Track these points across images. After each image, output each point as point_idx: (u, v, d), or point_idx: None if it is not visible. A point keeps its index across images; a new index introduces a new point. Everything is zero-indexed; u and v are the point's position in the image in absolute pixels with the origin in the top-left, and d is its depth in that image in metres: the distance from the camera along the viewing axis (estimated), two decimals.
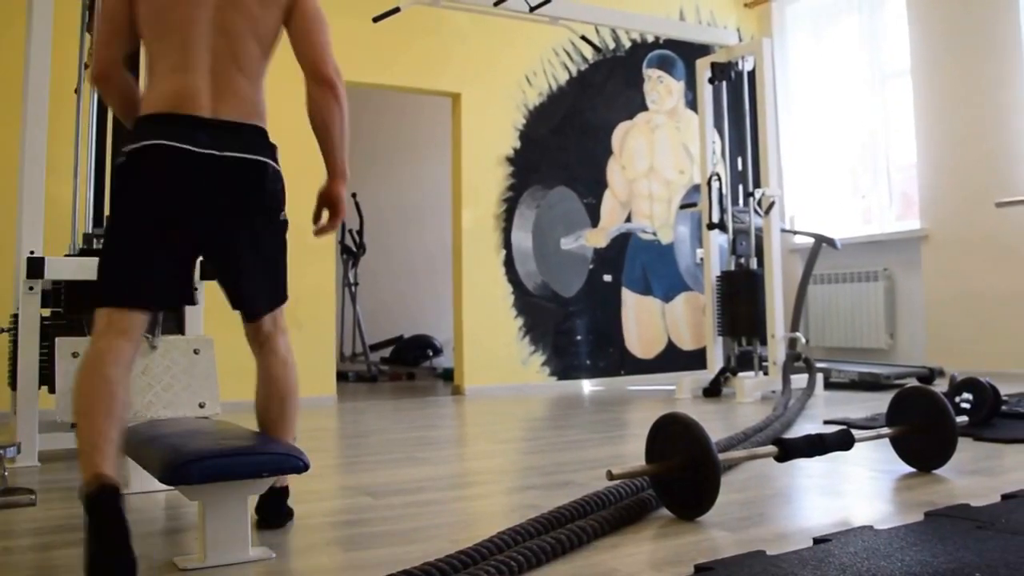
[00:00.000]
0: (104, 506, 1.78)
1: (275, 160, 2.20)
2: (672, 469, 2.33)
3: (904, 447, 2.94)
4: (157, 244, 2.08)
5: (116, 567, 1.72)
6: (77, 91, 3.90)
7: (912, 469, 2.89)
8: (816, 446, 2.63)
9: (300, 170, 5.81)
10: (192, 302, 3.27)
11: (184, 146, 2.05)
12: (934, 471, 2.85)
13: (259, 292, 2.23)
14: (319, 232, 2.33)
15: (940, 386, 4.47)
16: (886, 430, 2.94)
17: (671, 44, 7.47)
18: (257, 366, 2.28)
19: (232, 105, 2.13)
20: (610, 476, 2.27)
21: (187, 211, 2.09)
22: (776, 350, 5.62)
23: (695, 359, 7.04)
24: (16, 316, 3.50)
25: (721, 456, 2.33)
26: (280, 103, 5.69)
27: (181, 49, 2.12)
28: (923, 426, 2.88)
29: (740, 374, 5.77)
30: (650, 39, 7.41)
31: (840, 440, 2.67)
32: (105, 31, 2.22)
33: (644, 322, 7.26)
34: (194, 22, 2.13)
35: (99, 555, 1.72)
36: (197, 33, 2.12)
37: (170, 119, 2.07)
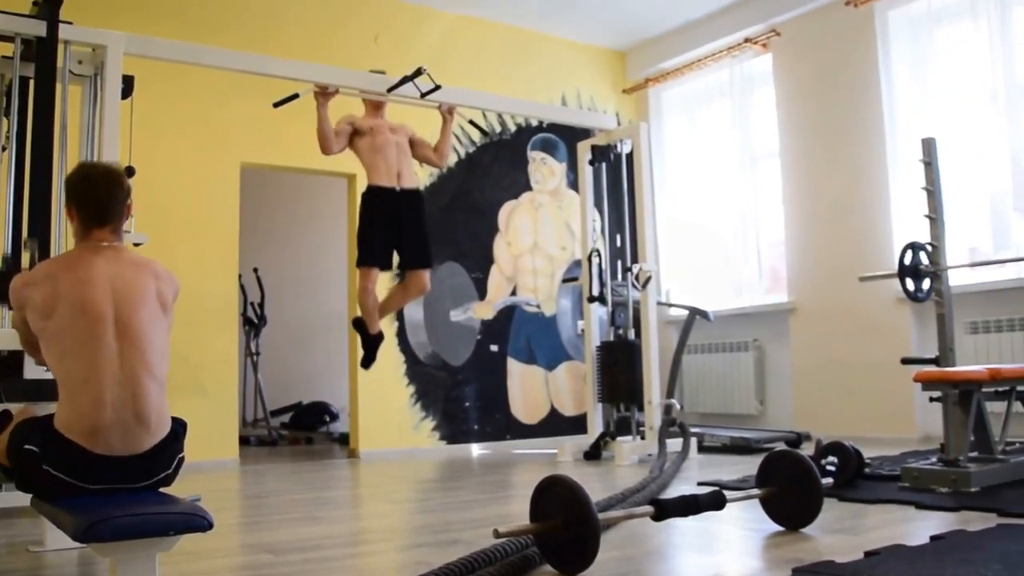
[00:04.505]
0: None
1: None
2: (555, 528, 2.40)
3: (773, 507, 3.07)
4: None
5: None
6: None
7: (781, 528, 3.01)
8: (690, 506, 2.74)
9: (201, 245, 5.81)
10: None
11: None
12: (801, 530, 2.97)
13: None
14: None
15: (807, 450, 4.67)
16: (756, 491, 3.08)
17: (554, 128, 7.76)
18: None
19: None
20: (496, 534, 2.34)
21: None
22: (652, 416, 5.77)
23: (576, 424, 7.19)
24: None
25: (601, 515, 2.42)
26: (179, 182, 5.68)
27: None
28: (791, 487, 3.01)
29: (619, 438, 5.90)
30: (534, 123, 7.69)
31: (713, 500, 2.79)
32: (25, 345, 2.56)
33: (528, 389, 7.39)
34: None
35: None
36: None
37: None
